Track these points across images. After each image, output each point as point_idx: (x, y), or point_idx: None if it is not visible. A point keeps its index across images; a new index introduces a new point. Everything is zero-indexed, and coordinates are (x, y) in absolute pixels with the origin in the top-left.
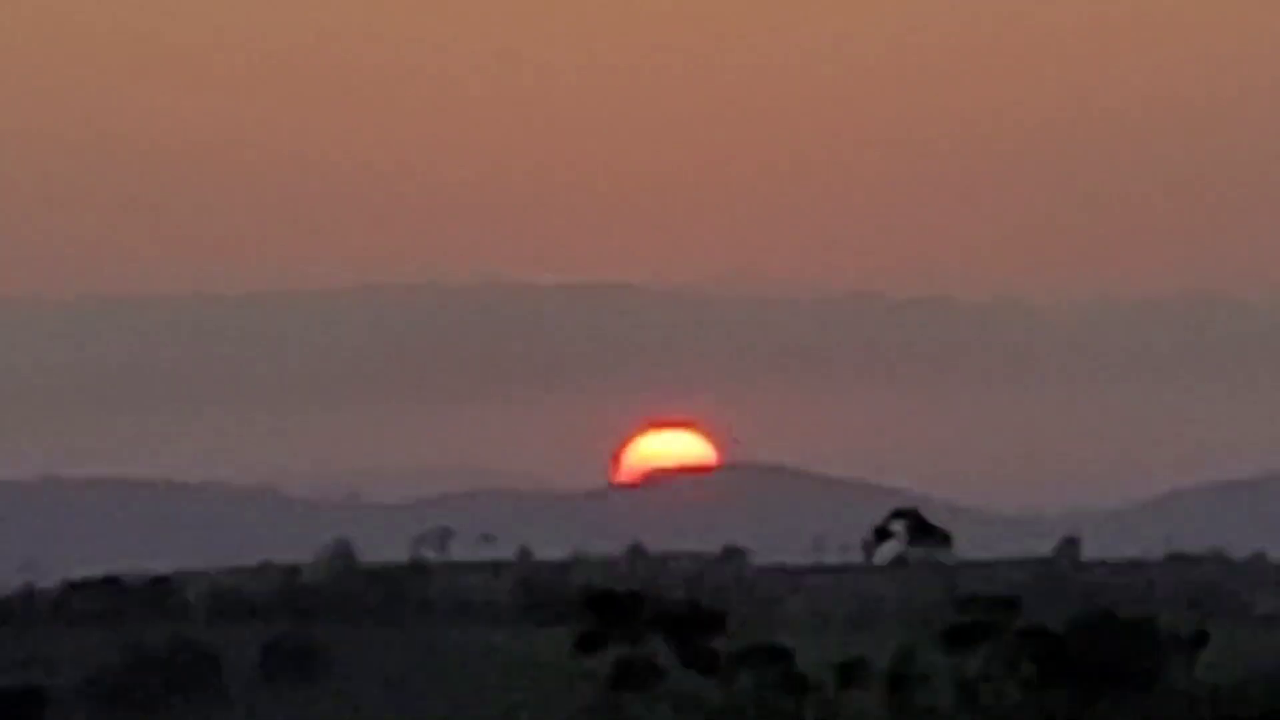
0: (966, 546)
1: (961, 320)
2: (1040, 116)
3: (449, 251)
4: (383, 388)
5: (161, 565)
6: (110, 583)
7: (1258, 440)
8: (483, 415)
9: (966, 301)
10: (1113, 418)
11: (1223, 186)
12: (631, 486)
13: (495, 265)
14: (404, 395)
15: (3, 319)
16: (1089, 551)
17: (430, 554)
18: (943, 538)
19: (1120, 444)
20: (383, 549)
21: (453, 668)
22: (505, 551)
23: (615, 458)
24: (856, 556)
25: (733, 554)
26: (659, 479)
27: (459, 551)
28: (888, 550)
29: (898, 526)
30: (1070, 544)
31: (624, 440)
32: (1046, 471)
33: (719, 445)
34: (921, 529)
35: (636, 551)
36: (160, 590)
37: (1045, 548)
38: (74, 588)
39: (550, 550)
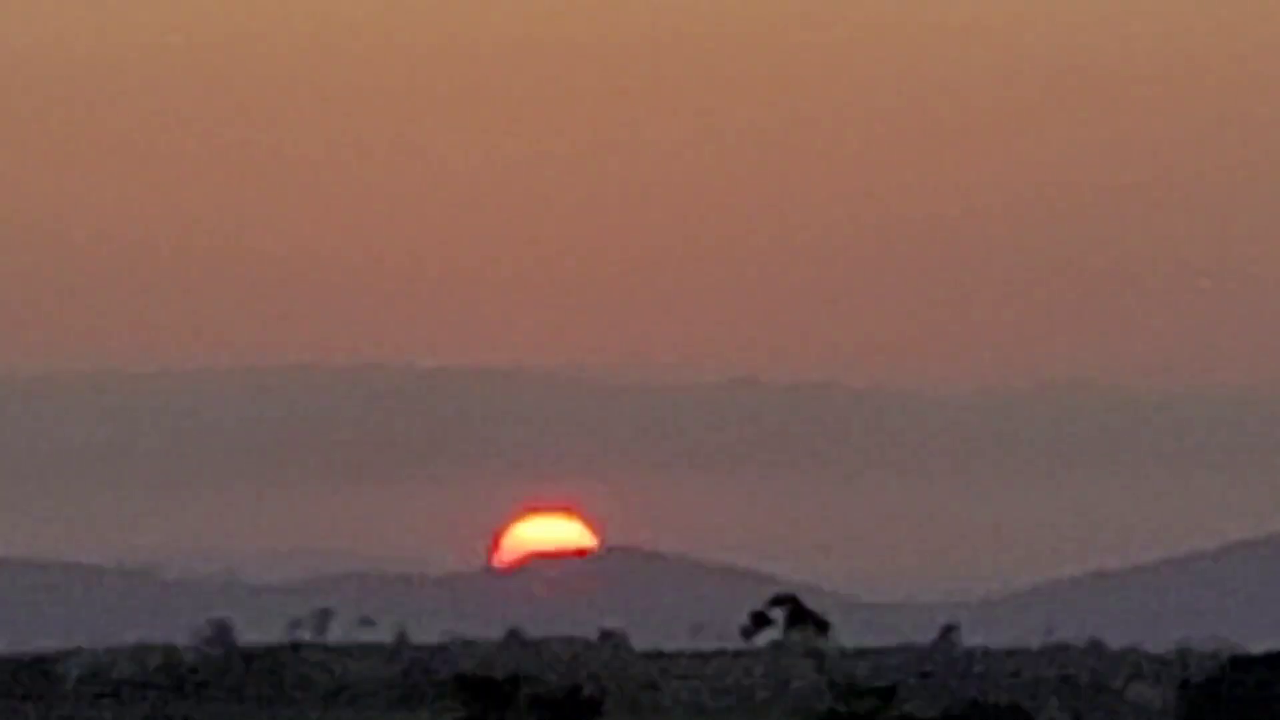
0: (845, 634)
1: (842, 408)
2: (921, 209)
3: (328, 333)
4: (261, 469)
5: (40, 644)
6: None
7: (1137, 530)
8: (362, 497)
9: (847, 389)
10: (992, 506)
11: (1099, 274)
12: (510, 570)
13: (375, 347)
14: (283, 476)
15: None
16: (968, 639)
17: (308, 636)
18: (821, 625)
19: (999, 532)
20: (261, 630)
21: None
22: (383, 634)
23: (494, 541)
24: (734, 642)
25: (611, 639)
26: (537, 563)
27: (337, 633)
28: (765, 637)
29: (776, 613)
30: (949, 632)
31: (503, 524)
32: (926, 559)
33: (597, 530)
34: (800, 616)
35: (514, 635)
36: (39, 669)
37: (924, 636)
38: None
39: (428, 633)
